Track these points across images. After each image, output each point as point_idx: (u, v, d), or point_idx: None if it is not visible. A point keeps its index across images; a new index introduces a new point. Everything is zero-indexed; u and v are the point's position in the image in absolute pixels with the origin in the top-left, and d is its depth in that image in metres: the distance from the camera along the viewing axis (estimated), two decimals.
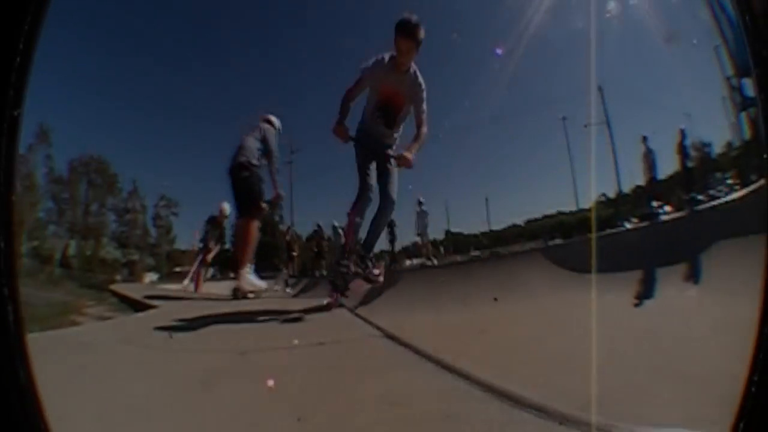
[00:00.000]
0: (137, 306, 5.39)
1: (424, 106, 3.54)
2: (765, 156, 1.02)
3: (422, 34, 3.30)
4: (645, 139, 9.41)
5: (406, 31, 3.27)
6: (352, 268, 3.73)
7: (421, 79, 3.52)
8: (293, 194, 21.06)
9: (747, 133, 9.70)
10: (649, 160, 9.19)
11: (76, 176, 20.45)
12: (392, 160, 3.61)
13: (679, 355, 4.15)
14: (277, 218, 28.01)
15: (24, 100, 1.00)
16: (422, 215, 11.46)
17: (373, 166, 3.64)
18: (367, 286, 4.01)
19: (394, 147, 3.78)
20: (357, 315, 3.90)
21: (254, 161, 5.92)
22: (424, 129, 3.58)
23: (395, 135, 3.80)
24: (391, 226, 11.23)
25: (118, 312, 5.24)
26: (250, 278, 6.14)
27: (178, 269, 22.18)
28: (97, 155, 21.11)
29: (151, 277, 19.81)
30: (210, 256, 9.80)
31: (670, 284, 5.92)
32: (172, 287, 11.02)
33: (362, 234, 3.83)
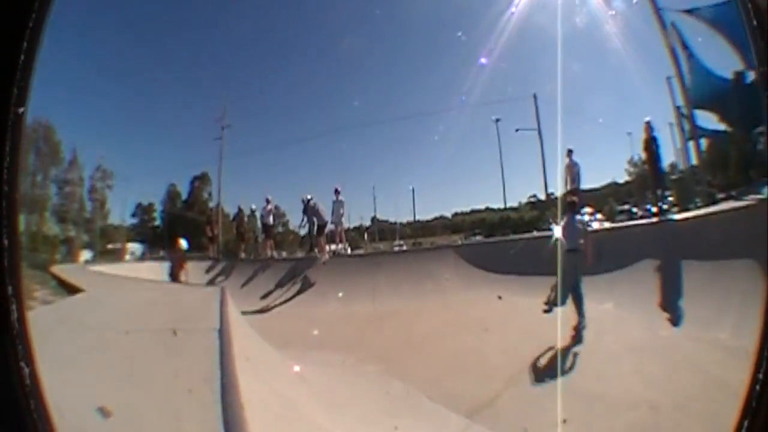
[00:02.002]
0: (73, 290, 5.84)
1: None
2: None
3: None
4: (570, 152, 9.35)
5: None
6: None
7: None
8: (222, 172, 20.41)
9: (694, 159, 10.06)
10: (573, 172, 9.04)
11: (28, 144, 18.65)
12: None
13: (579, 366, 4.20)
14: (206, 195, 26.97)
15: (28, 99, 1.01)
16: (338, 205, 11.75)
17: None
18: None
19: None
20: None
21: None
22: None
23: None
24: (312, 226, 11.66)
25: (58, 296, 5.67)
26: None
27: (110, 246, 20.79)
28: (44, 120, 19.48)
29: (86, 255, 18.39)
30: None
31: (588, 294, 5.76)
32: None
33: None
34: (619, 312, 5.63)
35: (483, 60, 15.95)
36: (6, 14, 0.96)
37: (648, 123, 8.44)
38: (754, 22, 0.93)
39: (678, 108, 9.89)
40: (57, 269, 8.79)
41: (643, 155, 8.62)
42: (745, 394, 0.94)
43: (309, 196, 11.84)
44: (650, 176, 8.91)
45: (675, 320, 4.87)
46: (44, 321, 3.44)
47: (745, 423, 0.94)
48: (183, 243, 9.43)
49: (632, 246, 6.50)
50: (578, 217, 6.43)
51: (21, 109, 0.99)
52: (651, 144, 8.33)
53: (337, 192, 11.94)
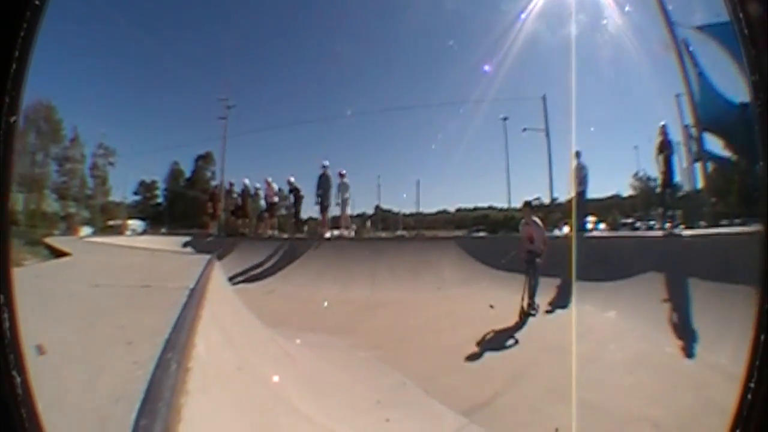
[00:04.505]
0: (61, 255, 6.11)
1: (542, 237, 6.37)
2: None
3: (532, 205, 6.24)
4: (578, 154, 9.25)
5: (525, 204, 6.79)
6: None
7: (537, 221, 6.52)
8: (226, 150, 20.63)
9: (700, 182, 9.91)
10: (581, 175, 9.04)
11: (27, 124, 18.61)
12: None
13: (577, 370, 3.92)
14: (209, 174, 26.86)
15: (20, 108, 1.00)
16: (343, 187, 11.72)
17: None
18: None
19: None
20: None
21: None
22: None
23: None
24: (326, 195, 11.63)
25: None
26: None
27: (111, 223, 20.86)
28: (46, 100, 19.44)
29: (86, 231, 18.45)
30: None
31: (590, 300, 5.97)
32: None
33: None
34: (621, 321, 5.62)
35: (487, 68, 15.86)
36: None
37: (663, 126, 8.36)
38: (746, 31, 0.93)
39: (686, 127, 9.69)
40: (51, 240, 8.78)
41: (657, 159, 8.49)
42: (737, 402, 0.95)
43: (326, 163, 11.80)
44: (661, 181, 8.74)
45: (676, 333, 4.83)
46: (23, 276, 3.48)
47: (737, 430, 0.96)
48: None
49: (638, 256, 6.47)
50: (536, 220, 6.69)
51: (13, 118, 0.99)
52: (665, 148, 8.23)
53: (341, 175, 11.90)
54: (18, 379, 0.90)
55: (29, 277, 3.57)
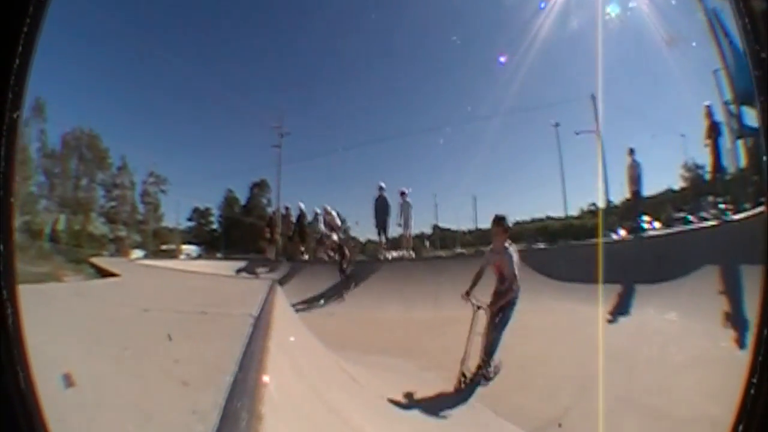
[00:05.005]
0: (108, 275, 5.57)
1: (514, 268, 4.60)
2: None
3: (505, 224, 4.76)
4: (632, 151, 9.03)
5: (496, 221, 4.73)
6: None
7: (511, 250, 4.69)
8: (281, 178, 21.31)
9: (743, 161, 9.22)
10: (635, 172, 8.85)
11: (68, 150, 20.15)
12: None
13: (647, 382, 3.95)
14: (264, 201, 27.80)
15: (23, 103, 1.00)
16: (405, 207, 11.39)
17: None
18: None
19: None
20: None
21: None
22: (514, 286, 4.61)
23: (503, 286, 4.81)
24: (384, 218, 11.41)
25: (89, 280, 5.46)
26: None
27: (164, 247, 21.80)
28: (88, 129, 20.93)
29: (137, 254, 19.43)
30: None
31: (650, 303, 5.84)
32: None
33: None
34: (684, 322, 5.37)
35: (502, 59, 15.42)
36: (1, 19, 0.97)
37: (708, 107, 7.79)
38: (749, 27, 0.92)
39: (726, 104, 9.01)
40: (97, 260, 8.46)
41: (706, 143, 7.86)
42: (740, 397, 0.96)
43: (383, 184, 11.55)
44: (711, 166, 8.19)
45: (739, 328, 4.54)
46: (59, 292, 3.28)
47: (740, 428, 0.96)
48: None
49: (692, 251, 6.31)
50: (510, 247, 4.67)
51: (16, 114, 0.99)
52: (713, 130, 7.66)
53: (403, 194, 11.60)
54: (21, 375, 0.91)
55: (67, 294, 3.30)
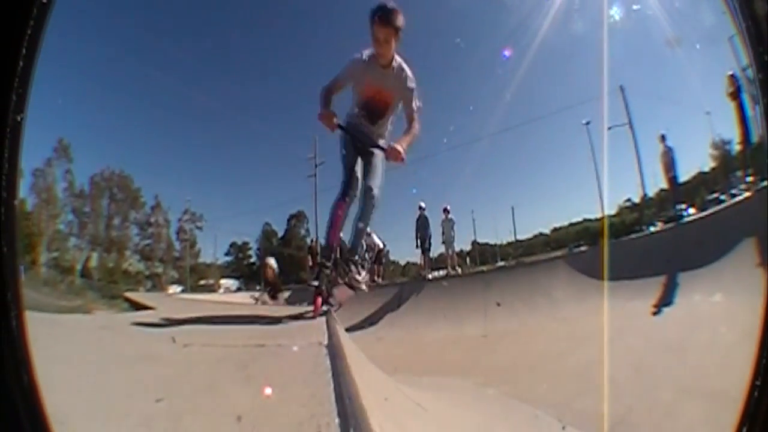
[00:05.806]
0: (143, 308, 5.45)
1: (415, 100, 3.16)
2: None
3: (401, 21, 2.85)
4: (663, 137, 8.92)
5: (381, 17, 2.82)
6: (335, 273, 3.40)
7: (408, 72, 3.14)
8: (318, 207, 21.30)
9: (762, 128, 8.88)
10: (669, 159, 8.72)
11: (98, 191, 20.97)
12: (380, 154, 3.23)
13: (704, 367, 3.91)
14: (303, 232, 27.97)
15: (27, 105, 1.01)
16: (448, 224, 11.28)
17: (360, 160, 3.33)
18: (350, 293, 3.61)
19: (382, 142, 3.39)
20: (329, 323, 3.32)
21: None
22: (416, 124, 3.20)
23: (382, 131, 3.44)
24: (427, 237, 11.22)
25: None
26: None
27: (203, 282, 21.99)
28: (119, 171, 21.62)
29: (174, 289, 19.54)
30: None
31: (694, 290, 5.70)
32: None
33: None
34: (729, 302, 5.16)
35: (506, 53, 15.36)
36: (3, 21, 0.98)
37: (732, 77, 7.50)
38: (752, 30, 0.91)
39: (744, 70, 8.60)
40: (132, 294, 8.30)
41: (733, 109, 7.54)
42: (744, 399, 0.94)
43: (423, 204, 11.45)
44: (740, 138, 7.92)
45: None
46: (83, 324, 3.13)
47: (744, 429, 0.94)
48: (272, 260, 9.58)
49: (728, 230, 6.13)
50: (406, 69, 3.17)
51: (20, 116, 0.99)
52: (736, 100, 7.35)
53: (446, 211, 11.54)
54: (25, 378, 0.89)
55: (93, 327, 2.95)
